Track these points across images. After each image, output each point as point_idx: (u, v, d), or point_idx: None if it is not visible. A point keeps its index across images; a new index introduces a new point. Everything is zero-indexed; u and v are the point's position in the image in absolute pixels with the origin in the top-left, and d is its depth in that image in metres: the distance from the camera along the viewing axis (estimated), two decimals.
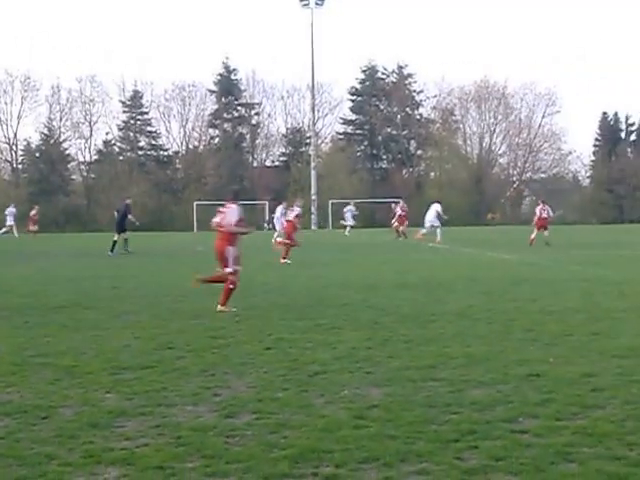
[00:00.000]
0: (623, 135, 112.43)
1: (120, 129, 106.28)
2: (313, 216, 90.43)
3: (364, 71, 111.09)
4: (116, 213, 39.80)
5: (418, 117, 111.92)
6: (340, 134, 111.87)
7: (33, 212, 61.82)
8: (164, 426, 7.56)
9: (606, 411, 7.88)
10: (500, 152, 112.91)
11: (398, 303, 16.65)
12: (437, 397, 8.51)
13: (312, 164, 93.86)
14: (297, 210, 33.21)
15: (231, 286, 16.03)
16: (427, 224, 44.92)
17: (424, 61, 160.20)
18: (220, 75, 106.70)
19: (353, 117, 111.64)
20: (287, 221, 34.02)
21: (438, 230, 43.43)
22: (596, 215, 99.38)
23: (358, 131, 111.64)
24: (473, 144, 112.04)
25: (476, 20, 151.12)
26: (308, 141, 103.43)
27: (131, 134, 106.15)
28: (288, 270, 26.19)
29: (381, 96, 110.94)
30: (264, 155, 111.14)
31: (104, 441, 7.13)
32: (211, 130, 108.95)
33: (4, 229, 60.96)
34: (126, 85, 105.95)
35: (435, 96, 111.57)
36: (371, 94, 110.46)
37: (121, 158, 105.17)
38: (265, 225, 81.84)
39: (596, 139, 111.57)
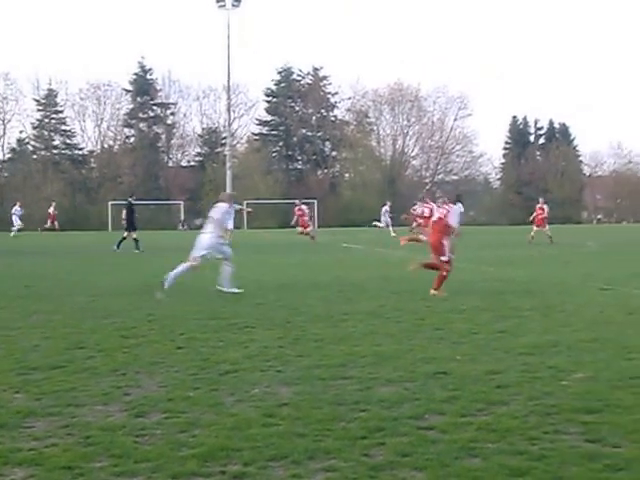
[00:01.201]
0: (532, 139, 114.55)
1: (34, 128, 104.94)
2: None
3: (280, 72, 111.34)
4: (125, 211, 39.57)
5: (333, 119, 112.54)
6: (256, 135, 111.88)
7: (51, 209, 60.85)
8: (73, 426, 7.53)
9: (510, 407, 8.07)
10: (413, 154, 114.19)
11: (311, 302, 16.74)
12: (346, 395, 8.61)
13: (227, 164, 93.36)
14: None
15: (444, 273, 18.22)
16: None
17: (339, 63, 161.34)
18: (136, 75, 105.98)
19: (269, 118, 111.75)
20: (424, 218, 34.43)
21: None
22: (506, 216, 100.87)
23: (273, 132, 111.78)
24: (387, 146, 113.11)
25: (390, 23, 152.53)
26: (224, 141, 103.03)
27: (45, 133, 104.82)
28: (202, 270, 26.06)
29: (296, 97, 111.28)
30: (179, 155, 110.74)
31: (12, 441, 7.09)
32: (126, 129, 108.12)
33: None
34: (40, 83, 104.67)
35: (350, 98, 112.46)
36: (286, 95, 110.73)
37: (35, 157, 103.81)
38: (180, 226, 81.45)
39: (506, 142, 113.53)
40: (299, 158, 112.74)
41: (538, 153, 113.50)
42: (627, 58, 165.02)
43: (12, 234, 58.06)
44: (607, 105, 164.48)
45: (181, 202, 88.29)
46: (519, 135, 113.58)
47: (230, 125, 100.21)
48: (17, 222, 60.44)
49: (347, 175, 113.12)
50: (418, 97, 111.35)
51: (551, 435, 7.12)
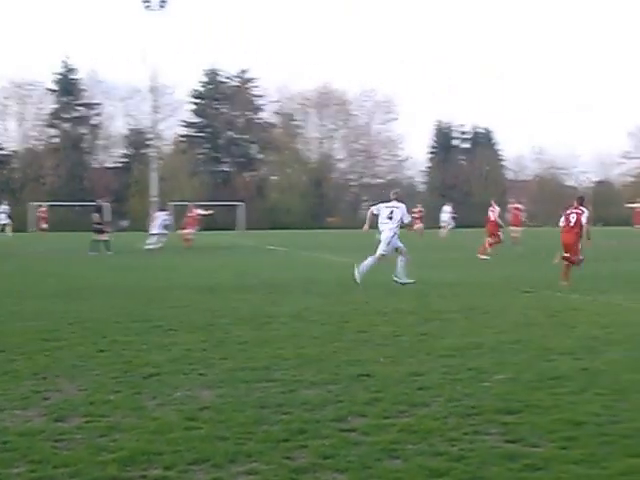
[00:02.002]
0: (456, 143, 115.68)
1: None
2: None
3: (206, 74, 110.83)
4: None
5: (260, 121, 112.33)
6: (182, 136, 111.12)
7: (43, 209, 59.27)
8: None
9: (431, 409, 8.13)
10: (339, 157, 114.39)
11: (235, 305, 16.70)
12: (269, 398, 8.60)
13: (153, 166, 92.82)
14: (497, 209, 35.43)
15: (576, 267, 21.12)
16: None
17: (266, 66, 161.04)
18: (60, 74, 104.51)
19: (195, 120, 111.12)
20: (490, 221, 34.86)
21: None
22: (431, 219, 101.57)
23: (200, 134, 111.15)
24: (313, 149, 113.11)
25: (317, 26, 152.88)
26: (149, 142, 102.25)
27: None
28: (127, 272, 25.91)
29: (223, 100, 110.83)
30: (104, 156, 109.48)
31: None
32: (50, 130, 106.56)
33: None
34: None
35: (277, 101, 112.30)
36: (213, 97, 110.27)
37: None
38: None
39: (431, 146, 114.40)
40: (225, 160, 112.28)
41: (462, 157, 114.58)
42: (548, 64, 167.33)
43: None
44: (530, 110, 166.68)
45: (106, 203, 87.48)
46: (444, 139, 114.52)
47: (156, 126, 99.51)
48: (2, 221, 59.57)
49: (274, 178, 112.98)
50: (345, 101, 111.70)
51: (471, 436, 7.19)
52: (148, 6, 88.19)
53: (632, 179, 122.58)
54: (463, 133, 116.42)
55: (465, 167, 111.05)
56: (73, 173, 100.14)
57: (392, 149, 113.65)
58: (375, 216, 21.58)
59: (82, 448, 6.88)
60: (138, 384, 9.30)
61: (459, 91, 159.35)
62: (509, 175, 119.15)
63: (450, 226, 59.94)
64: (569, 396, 8.58)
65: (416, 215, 56.92)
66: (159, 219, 42.61)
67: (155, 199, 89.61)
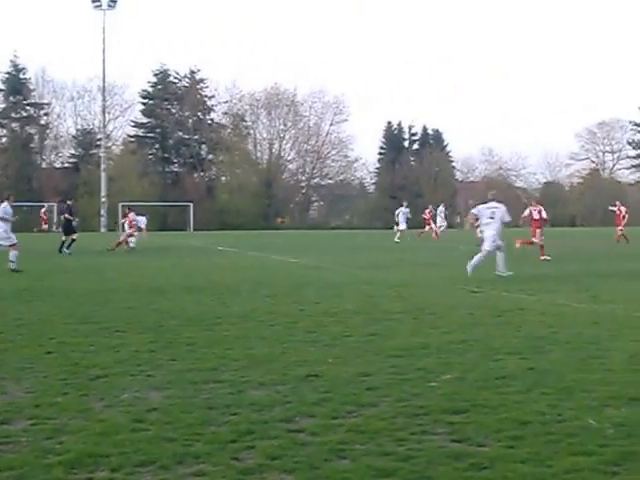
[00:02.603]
0: (406, 144, 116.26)
1: None
2: (103, 219, 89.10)
3: (156, 75, 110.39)
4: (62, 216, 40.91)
5: (210, 122, 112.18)
6: (131, 137, 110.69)
7: (43, 209, 57.70)
8: None
9: (379, 409, 8.16)
10: (289, 158, 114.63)
11: (184, 306, 16.64)
12: (217, 399, 8.58)
13: (102, 166, 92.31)
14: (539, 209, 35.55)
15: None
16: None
17: (216, 67, 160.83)
18: (8, 73, 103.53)
19: (145, 120, 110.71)
20: (534, 220, 35.05)
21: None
22: (381, 220, 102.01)
23: (150, 134, 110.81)
24: (263, 149, 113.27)
25: (266, 27, 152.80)
26: (98, 143, 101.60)
27: None
28: (76, 273, 25.70)
29: (173, 100, 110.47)
30: (53, 156, 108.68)
31: None
32: None
33: None
34: None
35: (226, 102, 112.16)
36: (163, 98, 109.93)
37: None
38: (54, 228, 79.79)
39: (381, 147, 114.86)
40: (175, 161, 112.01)
41: (412, 158, 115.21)
42: (497, 66, 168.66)
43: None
44: (479, 112, 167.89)
45: (54, 204, 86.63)
46: (394, 140, 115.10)
47: (105, 126, 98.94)
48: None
49: (223, 178, 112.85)
50: (295, 101, 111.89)
51: (418, 436, 7.23)
52: (98, 5, 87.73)
53: (580, 180, 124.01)
54: (413, 134, 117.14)
55: (415, 168, 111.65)
56: (22, 173, 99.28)
57: (342, 150, 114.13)
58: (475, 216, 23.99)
59: (27, 451, 6.82)
60: (85, 386, 9.23)
61: (409, 92, 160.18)
62: (458, 176, 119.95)
63: (442, 227, 60.67)
64: (515, 395, 8.66)
65: (426, 217, 59.12)
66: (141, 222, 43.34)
67: (104, 199, 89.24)
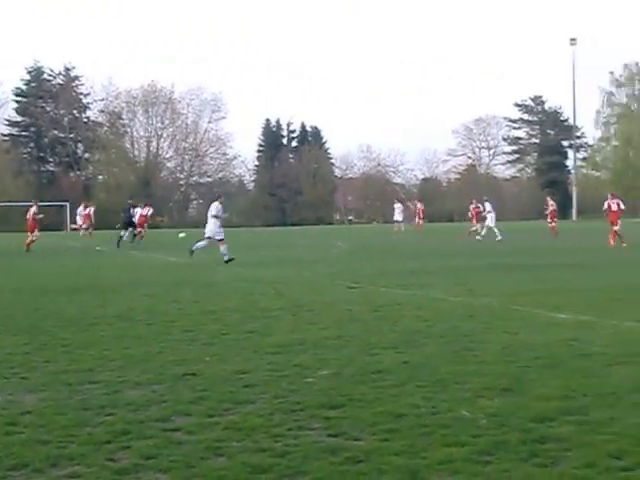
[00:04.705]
0: (285, 141, 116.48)
1: None
2: None
3: (30, 72, 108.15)
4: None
5: (85, 120, 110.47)
6: (5, 136, 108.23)
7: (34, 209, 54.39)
8: None
9: (256, 406, 8.18)
10: (167, 156, 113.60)
11: (61, 307, 16.40)
12: (93, 399, 8.48)
13: None
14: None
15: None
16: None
17: (91, 63, 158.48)
18: None
19: (19, 119, 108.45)
20: (612, 212, 37.21)
21: None
22: (260, 218, 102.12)
23: (24, 133, 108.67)
24: (141, 148, 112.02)
25: (141, 23, 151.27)
26: None
27: None
28: None
29: (47, 98, 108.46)
30: None
31: None
32: None
33: None
34: None
35: (102, 99, 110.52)
36: (37, 96, 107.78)
37: None
38: None
39: (260, 145, 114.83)
40: (51, 160, 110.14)
41: (291, 155, 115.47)
42: (374, 65, 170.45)
43: None
44: (357, 110, 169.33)
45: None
46: (272, 137, 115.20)
47: None
48: None
49: (101, 177, 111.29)
50: (172, 99, 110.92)
51: (295, 431, 7.27)
52: None
53: (457, 176, 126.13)
54: (291, 131, 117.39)
55: (294, 165, 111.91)
56: None
57: (220, 147, 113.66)
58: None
59: None
60: None
61: (287, 90, 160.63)
62: (337, 173, 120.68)
63: (403, 224, 63.72)
64: (391, 389, 8.77)
65: (419, 211, 63.85)
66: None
67: None
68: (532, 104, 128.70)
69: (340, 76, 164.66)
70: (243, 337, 12.40)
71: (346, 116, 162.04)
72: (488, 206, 49.40)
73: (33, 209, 42.07)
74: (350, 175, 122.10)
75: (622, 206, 38.24)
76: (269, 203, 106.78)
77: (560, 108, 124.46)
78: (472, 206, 52.48)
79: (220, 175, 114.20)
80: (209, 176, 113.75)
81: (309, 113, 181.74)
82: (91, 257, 35.69)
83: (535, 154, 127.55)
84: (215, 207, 30.44)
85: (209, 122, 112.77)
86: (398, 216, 65.01)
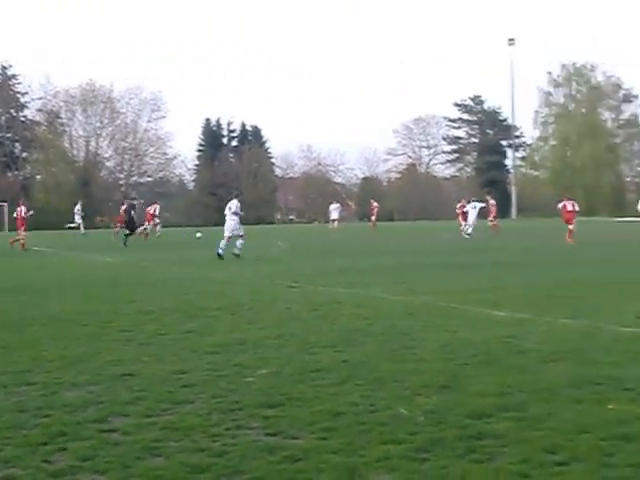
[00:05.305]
0: (225, 141, 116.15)
1: None
2: None
3: None
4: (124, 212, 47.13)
5: (23, 119, 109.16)
6: None
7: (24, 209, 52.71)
8: None
9: (194, 405, 8.15)
10: (107, 156, 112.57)
11: None
12: (29, 401, 8.39)
13: None
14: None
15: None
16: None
17: (29, 62, 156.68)
18: None
19: None
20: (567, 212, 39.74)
21: None
22: (201, 217, 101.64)
23: None
24: (80, 147, 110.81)
25: (81, 22, 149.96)
26: None
27: None
28: None
29: None
30: None
31: None
32: None
33: None
34: None
35: (40, 98, 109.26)
36: None
37: None
38: None
39: (200, 144, 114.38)
40: None
41: (231, 155, 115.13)
42: (315, 64, 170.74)
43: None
44: (297, 109, 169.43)
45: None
46: (212, 137, 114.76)
47: None
48: None
49: (39, 177, 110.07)
50: (111, 98, 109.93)
51: (233, 431, 7.26)
52: None
53: (397, 175, 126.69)
54: (232, 131, 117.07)
55: (234, 165, 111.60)
56: None
57: (160, 147, 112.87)
58: None
59: None
60: None
61: (227, 89, 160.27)
62: (278, 172, 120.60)
63: (335, 223, 65.53)
64: (330, 388, 8.80)
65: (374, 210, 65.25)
66: None
67: None
68: (471, 104, 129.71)
69: (280, 75, 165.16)
70: (181, 337, 12.35)
71: (286, 116, 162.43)
72: (472, 205, 51.28)
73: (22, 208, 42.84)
74: (291, 175, 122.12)
75: (577, 207, 40.55)
76: (210, 203, 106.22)
77: (499, 108, 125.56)
78: (459, 204, 53.79)
79: (160, 175, 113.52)
80: (149, 176, 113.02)
81: (249, 113, 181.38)
82: (28, 257, 35.28)
83: (475, 153, 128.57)
84: (235, 205, 31.82)
85: (149, 121, 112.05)
86: (334, 215, 65.94)
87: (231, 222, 31.19)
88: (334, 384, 8.97)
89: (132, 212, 45.83)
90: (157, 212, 55.88)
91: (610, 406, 7.83)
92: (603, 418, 7.43)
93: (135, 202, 49.58)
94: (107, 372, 9.76)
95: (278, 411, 7.88)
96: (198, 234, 47.18)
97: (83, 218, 61.81)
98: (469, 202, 53.43)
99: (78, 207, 61.81)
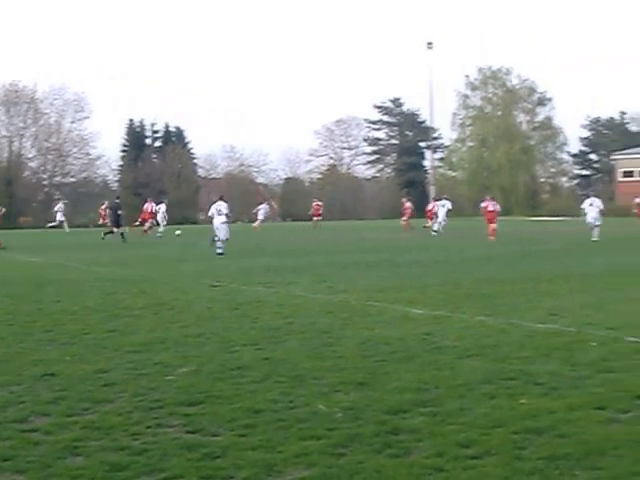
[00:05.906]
0: (149, 141, 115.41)
1: None
2: None
3: None
4: (109, 210, 49.24)
5: None
6: None
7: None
8: None
9: (115, 404, 8.21)
10: (30, 156, 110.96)
11: None
12: None
13: None
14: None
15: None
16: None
17: None
18: None
19: None
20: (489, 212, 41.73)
21: None
22: (124, 218, 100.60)
23: None
24: (2, 147, 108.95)
25: (4, 22, 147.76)
26: None
27: None
28: None
29: None
30: None
31: None
32: None
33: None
34: None
35: None
36: None
37: None
38: None
39: (124, 145, 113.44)
40: None
41: (155, 155, 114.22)
42: (237, 66, 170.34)
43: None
44: (220, 111, 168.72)
45: None
46: (136, 138, 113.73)
47: None
48: None
49: None
50: (34, 98, 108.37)
51: (154, 429, 7.35)
52: None
53: (319, 176, 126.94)
54: (155, 132, 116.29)
55: (158, 165, 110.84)
56: None
57: (84, 147, 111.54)
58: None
59: None
60: None
61: (150, 90, 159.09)
62: (201, 173, 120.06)
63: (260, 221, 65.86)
64: (250, 385, 8.92)
65: (317, 209, 67.12)
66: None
67: None
68: (391, 106, 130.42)
69: (203, 77, 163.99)
70: (104, 336, 12.37)
71: (209, 117, 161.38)
72: (441, 203, 53.24)
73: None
74: (214, 175, 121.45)
75: (498, 207, 43.07)
76: (133, 203, 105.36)
77: (418, 110, 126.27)
78: (430, 205, 54.98)
79: (84, 175, 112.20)
80: (72, 176, 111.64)
81: (172, 113, 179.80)
82: None
83: (394, 154, 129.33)
84: (225, 207, 33.25)
85: (72, 122, 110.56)
86: (260, 215, 66.41)
87: (223, 225, 32.52)
88: (254, 381, 9.09)
89: (118, 211, 47.73)
90: (154, 210, 56.56)
91: (522, 401, 8.08)
92: (515, 412, 7.67)
93: (118, 201, 51.15)
94: (29, 372, 9.76)
95: (198, 409, 7.98)
96: (177, 232, 47.83)
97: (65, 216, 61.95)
98: (439, 200, 54.43)
99: (60, 205, 61.77)
